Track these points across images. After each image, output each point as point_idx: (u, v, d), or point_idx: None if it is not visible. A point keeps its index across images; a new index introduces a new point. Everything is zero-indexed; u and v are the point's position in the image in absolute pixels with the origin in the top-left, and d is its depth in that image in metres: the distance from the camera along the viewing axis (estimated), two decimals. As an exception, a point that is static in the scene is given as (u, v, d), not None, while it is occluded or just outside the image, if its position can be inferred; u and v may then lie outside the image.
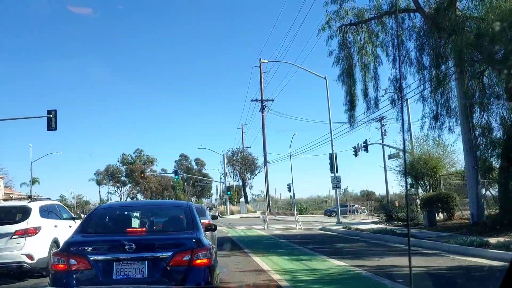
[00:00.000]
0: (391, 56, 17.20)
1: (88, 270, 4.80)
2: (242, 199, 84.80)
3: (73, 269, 4.80)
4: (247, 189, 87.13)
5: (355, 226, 22.44)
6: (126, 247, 4.87)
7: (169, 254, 4.90)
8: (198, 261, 4.94)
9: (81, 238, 5.32)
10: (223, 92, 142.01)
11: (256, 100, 52.36)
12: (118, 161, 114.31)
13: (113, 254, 4.90)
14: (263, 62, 29.22)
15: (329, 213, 47.45)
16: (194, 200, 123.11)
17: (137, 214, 7.00)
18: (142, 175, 65.06)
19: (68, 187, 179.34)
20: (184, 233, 5.46)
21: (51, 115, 27.37)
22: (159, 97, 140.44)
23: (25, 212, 9.78)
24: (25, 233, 9.35)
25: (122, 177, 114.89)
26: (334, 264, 10.35)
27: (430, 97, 17.07)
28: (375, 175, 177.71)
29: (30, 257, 9.23)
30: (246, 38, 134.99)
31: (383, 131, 43.22)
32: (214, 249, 5.65)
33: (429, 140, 24.62)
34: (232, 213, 63.45)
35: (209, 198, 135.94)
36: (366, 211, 38.10)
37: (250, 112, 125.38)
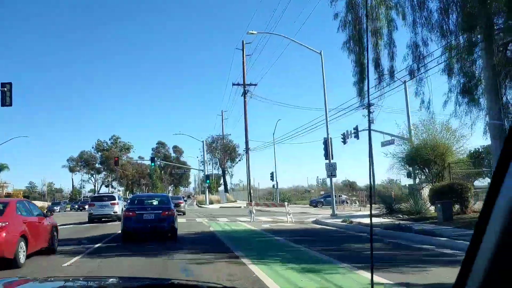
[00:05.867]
0: (411, 18, 14.27)
1: (135, 216, 14.64)
2: (222, 188, 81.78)
3: (130, 215, 14.74)
4: (227, 178, 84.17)
5: (355, 220, 19.70)
6: (148, 208, 15.31)
7: (161, 211, 14.89)
8: (170, 214, 14.93)
9: (131, 206, 15.65)
10: (204, 76, 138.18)
11: (238, 84, 49.04)
12: (93, 148, 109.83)
13: (143, 211, 14.91)
14: (251, 33, 25.92)
15: (315, 203, 44.87)
16: (172, 189, 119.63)
17: (148, 199, 17.33)
18: (116, 159, 60.93)
19: (39, 173, 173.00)
20: (166, 205, 15.50)
21: (5, 89, 23.65)
22: (136, 82, 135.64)
23: None
24: None
25: (97, 164, 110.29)
26: (367, 280, 7.26)
27: (456, 68, 14.23)
28: (356, 165, 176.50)
29: None
30: (229, 18, 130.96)
31: (371, 117, 40.68)
32: (176, 213, 16.10)
33: (436, 125, 22.08)
34: (211, 202, 60.37)
35: (187, 187, 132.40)
36: (357, 202, 35.50)
37: (232, 98, 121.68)
